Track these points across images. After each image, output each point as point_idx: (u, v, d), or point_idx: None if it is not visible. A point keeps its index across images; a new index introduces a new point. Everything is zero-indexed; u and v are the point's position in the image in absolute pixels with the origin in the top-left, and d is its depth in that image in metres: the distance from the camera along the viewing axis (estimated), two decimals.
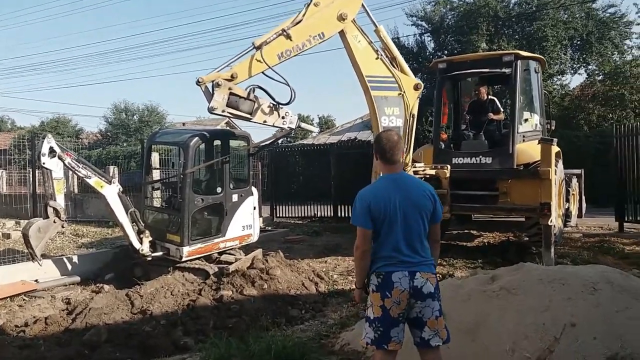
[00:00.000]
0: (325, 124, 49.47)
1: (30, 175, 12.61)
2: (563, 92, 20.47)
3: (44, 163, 6.42)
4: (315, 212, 14.96)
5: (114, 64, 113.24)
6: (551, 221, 7.14)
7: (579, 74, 21.20)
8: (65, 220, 6.77)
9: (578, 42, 19.81)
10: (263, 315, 5.52)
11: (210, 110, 6.40)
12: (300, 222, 14.51)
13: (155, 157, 10.58)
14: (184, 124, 37.29)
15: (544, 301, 3.89)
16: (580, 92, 20.67)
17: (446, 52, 20.58)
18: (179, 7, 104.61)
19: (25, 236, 6.33)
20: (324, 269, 8.03)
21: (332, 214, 14.48)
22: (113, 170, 15.47)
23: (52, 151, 6.47)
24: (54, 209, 6.47)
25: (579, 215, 10.66)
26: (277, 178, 15.94)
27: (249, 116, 6.64)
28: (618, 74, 18.79)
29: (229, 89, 6.36)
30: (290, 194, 16.03)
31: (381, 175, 3.32)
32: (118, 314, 5.42)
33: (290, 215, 15.19)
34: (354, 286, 6.84)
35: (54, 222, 6.49)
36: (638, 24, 19.46)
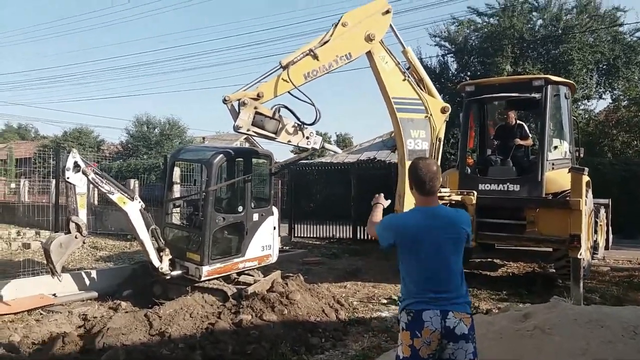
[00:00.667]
0: (343, 142, 49.55)
1: (53, 186, 12.69)
2: (587, 117, 20.11)
3: (68, 178, 6.40)
4: (334, 232, 14.75)
5: (137, 77, 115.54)
6: (580, 254, 6.89)
7: (604, 98, 20.84)
8: (87, 236, 6.73)
9: (604, 67, 19.50)
10: (283, 342, 5.36)
11: (236, 128, 6.36)
12: (318, 242, 14.29)
13: (176, 172, 10.57)
14: (204, 138, 37.63)
15: (581, 343, 3.70)
16: (605, 118, 20.30)
17: (469, 73, 20.39)
18: (202, 23, 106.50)
19: (47, 251, 6.28)
20: (344, 295, 7.84)
21: (351, 236, 14.28)
22: (134, 184, 15.55)
23: (76, 166, 6.45)
24: (76, 224, 6.44)
25: (606, 247, 10.32)
26: (296, 196, 15.72)
27: (273, 135, 6.58)
28: None
29: (255, 107, 6.32)
30: (309, 213, 15.82)
31: (415, 206, 3.19)
32: (136, 334, 5.31)
33: (308, 235, 14.98)
34: (375, 298, 6.71)
35: (76, 237, 6.43)
36: None
